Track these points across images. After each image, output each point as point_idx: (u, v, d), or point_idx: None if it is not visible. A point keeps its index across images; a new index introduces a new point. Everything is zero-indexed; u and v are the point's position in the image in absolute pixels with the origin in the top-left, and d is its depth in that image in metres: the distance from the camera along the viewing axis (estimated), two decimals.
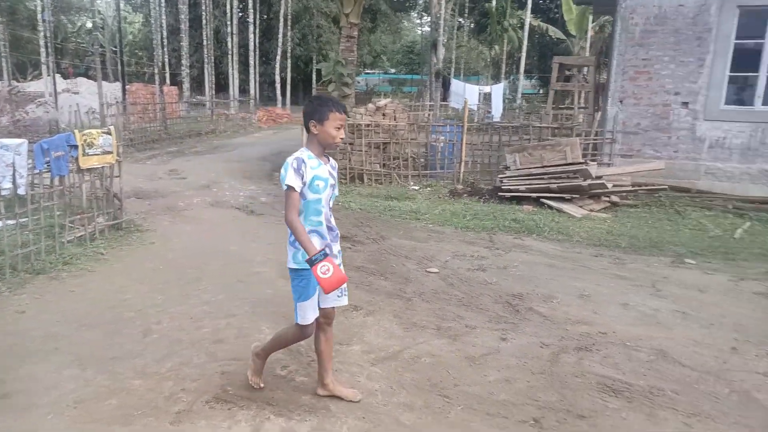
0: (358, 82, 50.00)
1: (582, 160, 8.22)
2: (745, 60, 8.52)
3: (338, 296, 2.88)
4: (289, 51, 31.35)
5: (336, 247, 2.87)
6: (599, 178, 8.01)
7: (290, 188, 2.64)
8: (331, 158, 2.92)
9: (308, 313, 2.79)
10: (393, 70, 54.78)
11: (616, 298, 4.59)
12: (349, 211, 7.74)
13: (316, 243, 2.70)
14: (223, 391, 3.04)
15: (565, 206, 7.77)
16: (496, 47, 32.42)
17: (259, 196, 8.77)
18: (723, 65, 8.48)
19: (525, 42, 29.81)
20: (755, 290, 4.88)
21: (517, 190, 8.22)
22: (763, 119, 8.42)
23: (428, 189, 9.50)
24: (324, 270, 2.51)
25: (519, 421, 2.84)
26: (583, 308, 4.37)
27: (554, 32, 28.98)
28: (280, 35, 29.03)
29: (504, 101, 21.23)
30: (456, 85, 21.16)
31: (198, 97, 28.72)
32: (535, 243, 6.29)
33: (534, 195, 8.12)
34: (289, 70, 31.45)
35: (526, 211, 7.78)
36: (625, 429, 2.80)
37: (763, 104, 8.45)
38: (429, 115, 16.44)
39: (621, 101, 9.08)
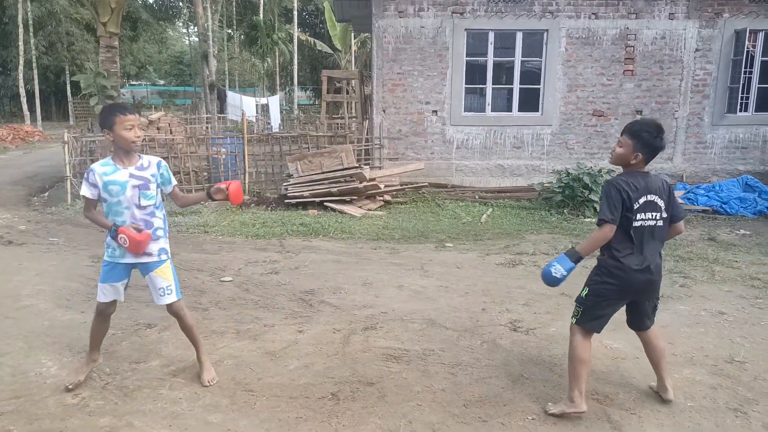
0: (124, 95, 46.26)
1: (357, 165, 9.01)
2: (477, 74, 10.23)
3: (160, 295, 3.22)
4: (34, 60, 27.59)
5: (157, 246, 3.18)
6: (373, 180, 8.88)
7: (84, 197, 3.10)
8: (145, 157, 3.18)
9: (100, 292, 3.21)
10: (162, 82, 51.77)
11: (393, 282, 5.27)
12: None
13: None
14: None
15: (345, 207, 8.45)
16: (269, 60, 32.91)
17: (17, 224, 7.77)
18: (460, 78, 10.06)
19: (296, 55, 30.84)
20: (497, 262, 6.02)
21: (302, 196, 8.68)
22: (493, 123, 10.22)
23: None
24: (122, 240, 2.97)
25: (319, 398, 3.19)
26: (366, 294, 4.93)
27: (322, 46, 30.55)
28: (21, 42, 25.35)
29: (282, 112, 21.75)
30: (232, 97, 21.05)
31: None
32: (322, 243, 6.78)
33: (317, 199, 8.66)
34: (36, 81, 27.68)
35: (312, 215, 8.27)
36: (405, 386, 3.34)
37: (492, 111, 10.27)
38: (207, 127, 16.11)
39: (384, 110, 10.15)
